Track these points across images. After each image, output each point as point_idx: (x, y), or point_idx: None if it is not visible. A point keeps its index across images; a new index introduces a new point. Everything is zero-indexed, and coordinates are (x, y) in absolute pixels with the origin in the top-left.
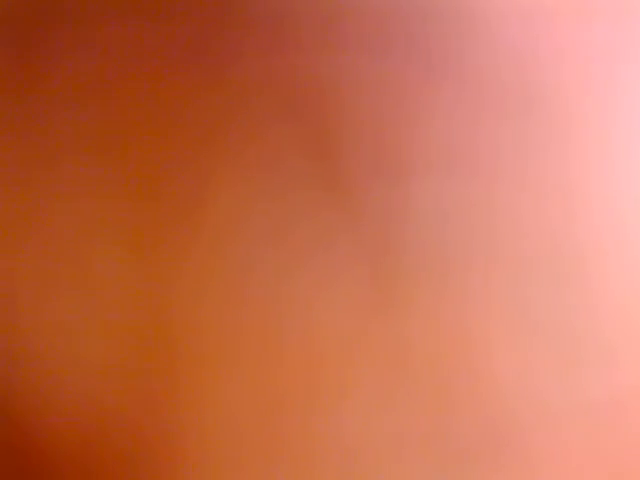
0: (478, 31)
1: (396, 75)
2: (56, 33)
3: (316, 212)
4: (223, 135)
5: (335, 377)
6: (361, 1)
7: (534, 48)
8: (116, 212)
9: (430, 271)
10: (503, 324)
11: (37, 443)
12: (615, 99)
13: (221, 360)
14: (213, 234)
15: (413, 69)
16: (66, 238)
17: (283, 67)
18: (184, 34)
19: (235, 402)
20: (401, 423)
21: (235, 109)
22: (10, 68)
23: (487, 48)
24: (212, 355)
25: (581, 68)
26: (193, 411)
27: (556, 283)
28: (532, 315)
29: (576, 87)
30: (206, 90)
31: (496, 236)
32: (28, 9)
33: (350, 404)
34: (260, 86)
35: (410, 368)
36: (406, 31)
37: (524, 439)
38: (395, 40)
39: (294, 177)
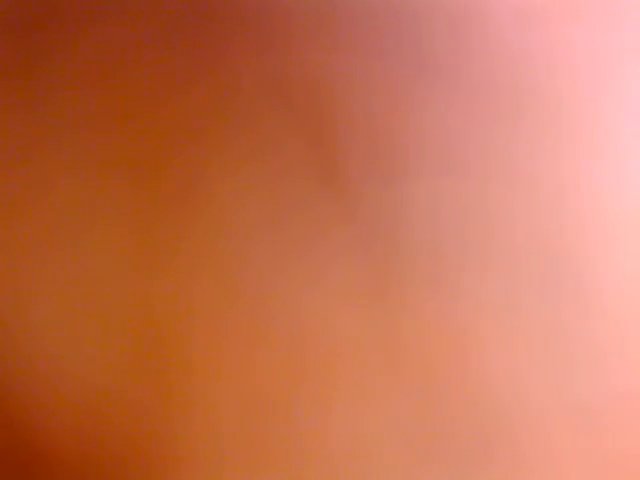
0: (471, 31)
1: (388, 73)
2: (59, 19)
3: (310, 204)
4: (218, 125)
5: (326, 375)
6: None
7: (526, 47)
8: (107, 202)
9: (423, 269)
10: (495, 323)
11: (30, 445)
12: (607, 98)
13: (211, 357)
14: (206, 226)
15: (405, 68)
16: (57, 228)
17: (275, 62)
18: (178, 27)
19: (225, 403)
20: (391, 422)
21: (228, 101)
22: (12, 53)
23: (480, 47)
24: (202, 352)
25: (574, 68)
26: (184, 412)
27: (548, 283)
28: (524, 314)
29: (568, 87)
30: (200, 81)
31: (489, 234)
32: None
33: (340, 403)
34: (253, 79)
35: (401, 366)
36: (398, 30)
37: (515, 439)
38: (387, 38)
39: (288, 169)
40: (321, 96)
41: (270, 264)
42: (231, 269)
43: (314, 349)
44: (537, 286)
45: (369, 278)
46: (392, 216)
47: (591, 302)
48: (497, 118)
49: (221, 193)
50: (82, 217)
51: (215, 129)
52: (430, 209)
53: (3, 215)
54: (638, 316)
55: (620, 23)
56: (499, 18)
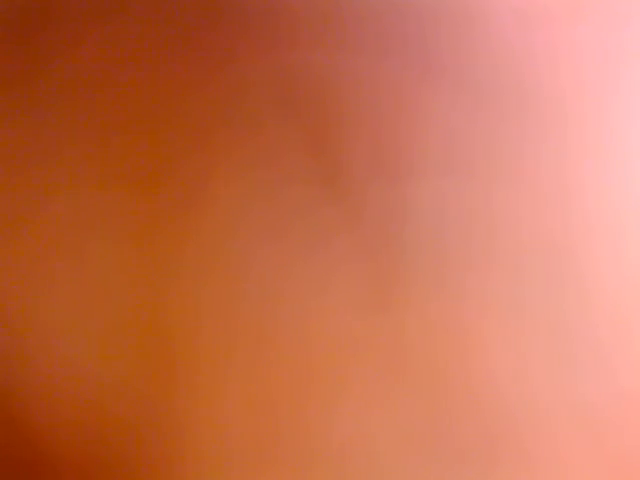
0: (475, 31)
1: (393, 74)
2: (56, 27)
3: (314, 209)
4: (221, 131)
5: (331, 376)
6: (358, 0)
7: (530, 48)
8: (113, 208)
9: (428, 270)
10: (500, 323)
11: (35, 442)
12: (611, 99)
13: (217, 359)
14: (211, 231)
15: (410, 69)
16: (63, 233)
17: (280, 64)
18: (182, 30)
19: (231, 402)
20: (397, 422)
21: (233, 105)
22: (11, 59)
23: (484, 48)
24: (208, 354)
25: (577, 68)
26: (189, 411)
27: (553, 283)
28: (528, 314)
29: (572, 87)
30: (204, 85)
31: (493, 235)
32: (29, 2)
33: (346, 404)
34: (258, 82)
35: (406, 367)
36: (403, 31)
37: (520, 439)
38: (392, 39)
39: (292, 173)
40: (326, 97)
41: (276, 267)
42: (237, 272)
43: (319, 350)
44: (542, 286)
45: (374, 279)
46: (397, 216)
47: (596, 302)
48: (501, 118)
49: (226, 197)
50: (86, 222)
51: (220, 133)
52: (435, 209)
53: (8, 218)
54: None
55: (623, 23)
56: (503, 19)
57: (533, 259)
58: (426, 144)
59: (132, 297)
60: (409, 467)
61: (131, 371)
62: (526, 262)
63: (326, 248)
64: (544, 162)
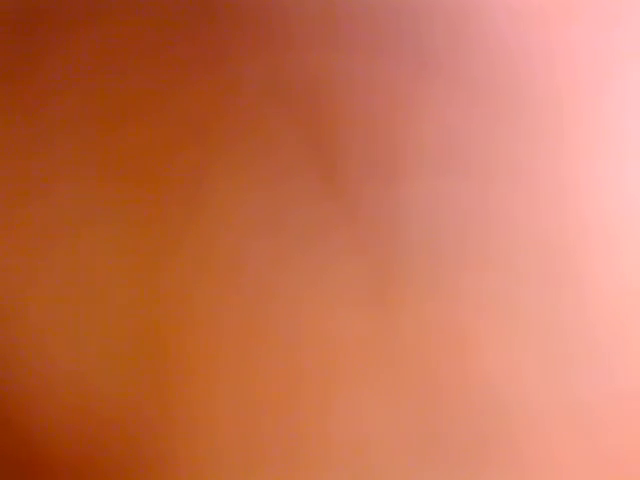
0: (471, 30)
1: (388, 72)
2: (54, 23)
3: (310, 204)
4: (217, 127)
5: (325, 374)
6: None
7: (526, 46)
8: (109, 202)
9: (423, 268)
10: (495, 323)
11: (28, 446)
12: (607, 97)
13: (210, 356)
14: (207, 225)
15: (405, 67)
16: (59, 229)
17: (275, 62)
18: (177, 26)
19: (225, 401)
20: (390, 421)
21: (229, 101)
22: (9, 55)
23: (479, 47)
24: (202, 352)
25: (572, 67)
26: (184, 414)
27: (548, 283)
28: (523, 314)
29: (567, 86)
30: (199, 83)
31: (488, 234)
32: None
33: (339, 402)
34: (253, 79)
35: (400, 365)
36: (398, 28)
37: (514, 439)
38: (387, 37)
39: (288, 168)
40: (321, 95)
41: (270, 263)
42: (231, 268)
43: (313, 348)
44: (537, 286)
45: (369, 277)
46: (392, 215)
47: (591, 302)
48: (497, 117)
49: (222, 192)
50: (81, 218)
51: (216, 129)
52: (430, 208)
53: (4, 212)
54: (638, 316)
55: (619, 22)
56: (498, 17)
57: (528, 258)
58: (421, 142)
59: (125, 296)
60: (402, 467)
61: (124, 373)
62: (521, 261)
63: (321, 244)
64: (539, 161)
